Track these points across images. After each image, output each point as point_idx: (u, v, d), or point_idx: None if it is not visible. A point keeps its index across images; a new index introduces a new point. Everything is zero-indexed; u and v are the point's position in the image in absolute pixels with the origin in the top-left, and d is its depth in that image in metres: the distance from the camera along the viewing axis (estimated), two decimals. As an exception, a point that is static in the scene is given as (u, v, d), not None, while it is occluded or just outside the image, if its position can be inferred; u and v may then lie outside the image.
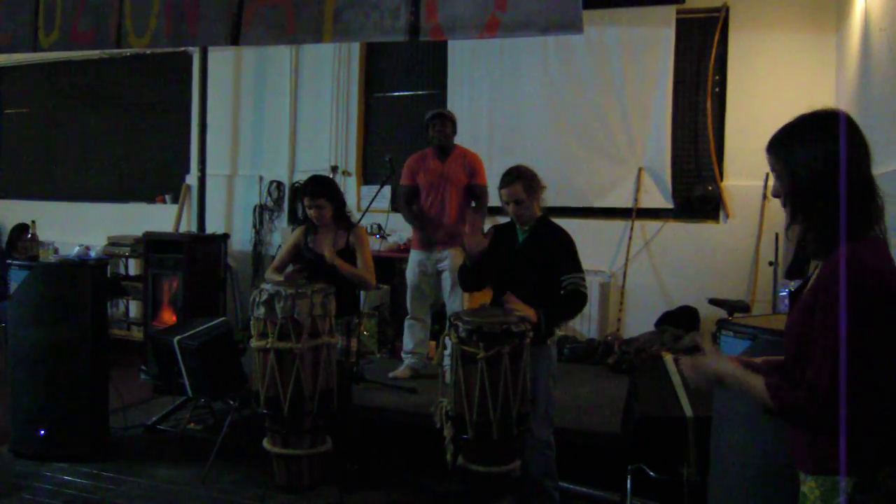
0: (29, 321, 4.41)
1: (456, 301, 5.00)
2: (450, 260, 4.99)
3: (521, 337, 3.21)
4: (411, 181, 5.14)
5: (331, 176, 6.71)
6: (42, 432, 4.38)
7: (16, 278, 4.44)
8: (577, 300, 3.38)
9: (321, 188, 4.16)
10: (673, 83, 5.97)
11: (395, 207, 6.71)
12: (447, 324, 3.42)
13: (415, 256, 5.14)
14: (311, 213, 4.14)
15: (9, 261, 4.74)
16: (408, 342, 5.19)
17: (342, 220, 4.22)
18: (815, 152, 1.73)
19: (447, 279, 5.01)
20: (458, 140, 5.20)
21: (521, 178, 3.45)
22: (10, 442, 4.52)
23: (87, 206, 8.27)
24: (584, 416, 4.31)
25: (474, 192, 5.06)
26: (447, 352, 3.49)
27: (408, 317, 5.20)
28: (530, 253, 3.47)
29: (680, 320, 5.72)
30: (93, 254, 5.40)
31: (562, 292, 3.40)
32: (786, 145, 1.80)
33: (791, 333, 1.78)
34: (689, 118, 6.12)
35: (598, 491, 3.90)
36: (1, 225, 8.32)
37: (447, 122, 5.04)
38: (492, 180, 5.21)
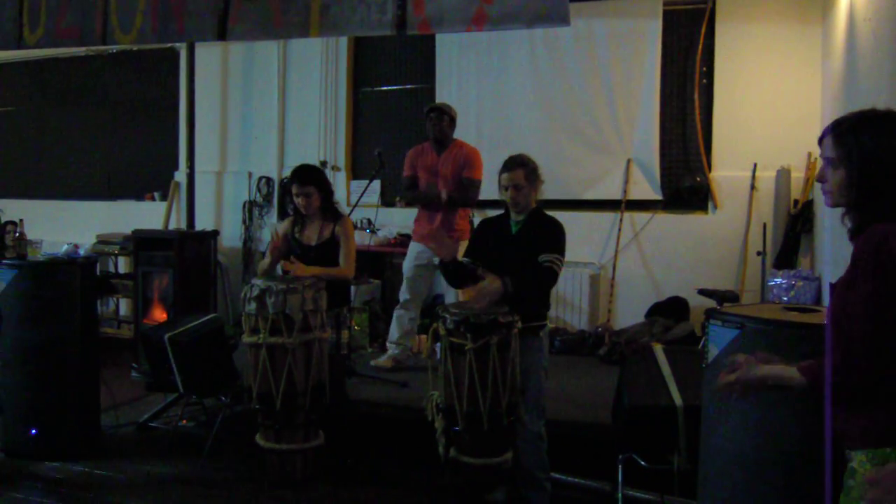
0: (18, 320, 4.39)
1: (450, 292, 5.01)
2: None
3: (508, 327, 3.22)
4: (410, 171, 5.15)
5: (320, 170, 6.71)
6: (33, 431, 4.37)
7: (4, 277, 4.42)
8: (545, 275, 3.36)
9: (310, 176, 4.17)
10: (660, 75, 5.98)
11: (384, 202, 6.73)
12: (437, 316, 3.43)
13: (413, 249, 5.15)
14: (298, 201, 4.13)
15: (-1, 260, 4.72)
16: (394, 332, 5.20)
17: (329, 210, 4.22)
18: (884, 142, 1.80)
19: None
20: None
21: (523, 165, 3.47)
22: (1, 441, 4.51)
23: (76, 204, 8.22)
24: (575, 407, 4.33)
25: (462, 183, 4.99)
26: (437, 344, 3.50)
27: (398, 306, 5.21)
28: (523, 243, 3.48)
29: (670, 311, 5.75)
30: (82, 252, 5.38)
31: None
32: (854, 133, 1.83)
33: (831, 321, 1.82)
34: (677, 110, 6.14)
35: (589, 481, 3.92)
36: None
37: (444, 116, 5.03)
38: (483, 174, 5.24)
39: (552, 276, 3.38)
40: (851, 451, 1.79)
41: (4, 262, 4.52)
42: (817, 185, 4.68)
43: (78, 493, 3.96)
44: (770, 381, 1.87)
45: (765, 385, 1.88)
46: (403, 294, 5.18)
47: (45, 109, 8.66)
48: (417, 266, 5.10)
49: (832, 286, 1.85)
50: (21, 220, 4.87)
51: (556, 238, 3.45)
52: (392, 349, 5.17)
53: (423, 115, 5.17)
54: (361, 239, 6.03)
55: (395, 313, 5.21)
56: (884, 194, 1.78)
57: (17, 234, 4.77)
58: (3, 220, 5.39)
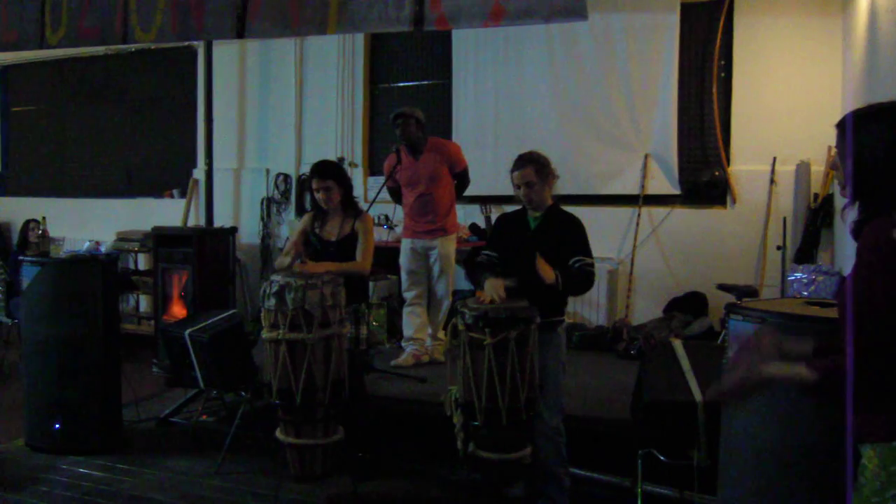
0: (41, 317, 4.46)
1: (441, 287, 5.10)
2: (438, 248, 5.08)
3: (527, 322, 3.22)
4: (392, 183, 5.26)
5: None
6: (56, 426, 4.43)
7: (28, 274, 4.48)
8: (586, 278, 3.42)
9: (330, 170, 4.17)
10: (678, 68, 5.94)
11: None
12: (456, 311, 3.44)
13: (406, 244, 5.24)
14: (319, 196, 4.13)
15: (20, 257, 4.79)
16: (408, 329, 5.24)
17: (350, 205, 4.22)
18: (882, 136, 1.77)
19: (436, 266, 5.10)
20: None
21: (532, 162, 3.47)
22: (26, 436, 4.57)
23: (96, 202, 8.32)
24: (594, 402, 4.33)
25: (456, 178, 5.21)
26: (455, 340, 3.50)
27: (405, 304, 5.26)
28: (543, 239, 3.48)
29: (688, 306, 5.72)
30: (103, 249, 5.42)
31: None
32: (855, 127, 1.80)
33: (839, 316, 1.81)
34: (695, 104, 6.10)
35: (608, 476, 3.93)
36: (11, 222, 8.38)
37: (410, 121, 5.06)
38: (497, 169, 5.22)
39: (591, 279, 3.45)
40: (860, 447, 1.76)
41: (28, 259, 4.59)
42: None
43: (101, 487, 4.00)
44: (777, 380, 1.78)
45: (771, 385, 1.80)
46: (407, 291, 5.25)
47: (66, 108, 8.76)
48: (414, 258, 5.18)
49: (843, 279, 1.83)
50: (43, 218, 4.93)
51: (583, 240, 3.48)
52: (409, 347, 5.19)
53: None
54: (379, 235, 6.05)
55: (405, 311, 5.28)
56: (878, 188, 1.75)
57: (40, 232, 4.83)
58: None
